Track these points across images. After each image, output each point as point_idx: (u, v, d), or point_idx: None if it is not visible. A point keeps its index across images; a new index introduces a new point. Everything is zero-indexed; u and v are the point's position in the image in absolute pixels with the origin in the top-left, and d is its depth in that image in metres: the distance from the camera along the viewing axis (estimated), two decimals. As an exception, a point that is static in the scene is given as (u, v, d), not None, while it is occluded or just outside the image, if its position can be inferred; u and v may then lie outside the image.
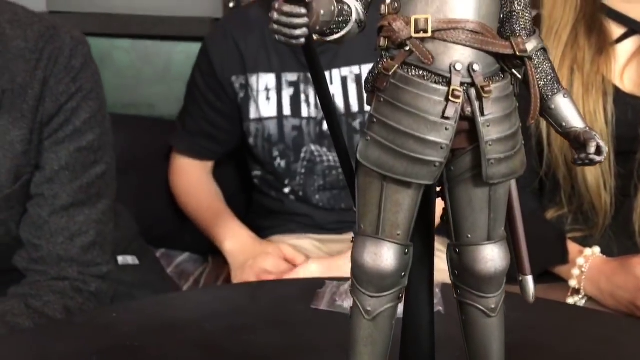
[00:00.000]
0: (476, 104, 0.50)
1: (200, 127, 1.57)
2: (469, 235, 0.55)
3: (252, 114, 1.51)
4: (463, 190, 0.54)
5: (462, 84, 0.50)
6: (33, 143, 1.10)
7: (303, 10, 0.42)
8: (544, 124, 1.29)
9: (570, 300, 1.29)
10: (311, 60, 0.48)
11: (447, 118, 0.50)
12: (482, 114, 0.50)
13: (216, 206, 1.60)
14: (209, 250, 1.94)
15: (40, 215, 1.11)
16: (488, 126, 0.51)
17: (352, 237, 0.56)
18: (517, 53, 0.52)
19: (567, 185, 1.32)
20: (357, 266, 0.54)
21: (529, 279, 0.58)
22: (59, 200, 1.11)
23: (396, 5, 0.52)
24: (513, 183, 0.56)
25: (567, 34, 1.27)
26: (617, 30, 1.32)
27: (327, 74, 1.45)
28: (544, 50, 0.57)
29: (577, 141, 0.55)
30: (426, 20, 0.50)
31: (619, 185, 1.29)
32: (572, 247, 1.31)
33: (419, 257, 0.57)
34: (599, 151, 0.54)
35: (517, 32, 0.56)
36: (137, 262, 1.67)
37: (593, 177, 1.28)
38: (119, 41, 2.06)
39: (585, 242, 1.33)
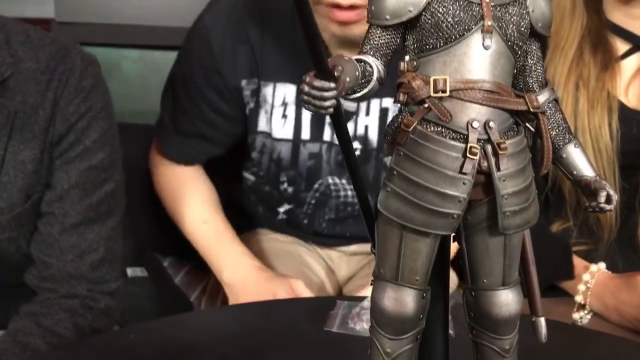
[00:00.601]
0: (492, 160, 0.53)
1: (196, 128, 1.32)
2: (485, 281, 0.58)
3: (262, 127, 1.29)
4: (479, 238, 0.57)
5: (478, 140, 0.53)
6: (44, 162, 1.12)
7: (333, 85, 0.45)
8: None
9: (576, 316, 1.32)
10: (338, 123, 0.51)
11: (465, 173, 0.53)
12: (498, 169, 0.53)
13: (213, 220, 1.35)
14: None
15: (51, 233, 1.14)
16: (504, 180, 0.53)
17: (371, 280, 0.59)
18: (531, 109, 0.55)
19: (572, 199, 1.34)
20: (377, 310, 0.57)
21: (542, 320, 0.61)
22: (69, 218, 1.14)
23: (415, 63, 0.55)
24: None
25: (573, 51, 1.30)
26: (622, 47, 1.34)
27: (358, 104, 1.27)
28: (556, 101, 0.60)
29: (588, 189, 0.58)
30: (444, 81, 0.53)
31: (623, 199, 1.32)
32: (578, 262, 1.34)
33: (435, 297, 0.60)
34: (608, 200, 0.57)
35: (530, 84, 0.59)
36: (145, 273, 1.68)
37: None
38: (127, 51, 2.09)
39: (590, 256, 1.35)
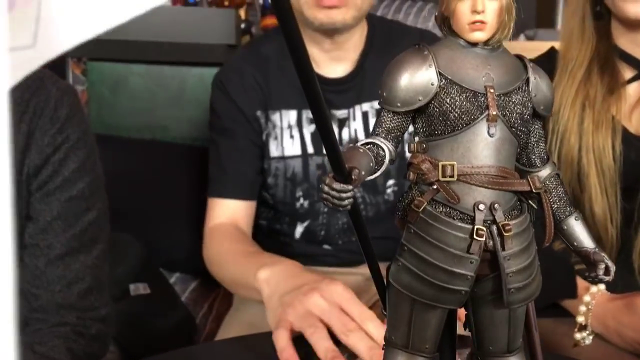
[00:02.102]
0: (498, 240, 0.58)
1: (242, 164, 1.47)
2: (491, 347, 0.63)
3: (273, 152, 1.49)
4: (485, 310, 0.62)
5: (484, 221, 0.58)
6: (21, 195, 1.13)
7: (350, 187, 0.50)
8: (554, 159, 1.34)
9: (578, 336, 1.35)
10: (354, 213, 0.55)
11: (472, 253, 0.57)
12: (503, 249, 0.58)
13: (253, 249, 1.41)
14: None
15: (37, 265, 1.15)
16: (508, 259, 0.58)
17: (383, 345, 0.63)
18: (534, 190, 0.59)
19: None
20: (388, 376, 0.62)
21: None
22: (54, 250, 1.15)
23: (424, 146, 0.60)
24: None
25: (582, 72, 1.34)
26: (628, 73, 1.37)
27: (350, 110, 1.48)
28: (557, 175, 0.64)
29: (587, 260, 0.63)
30: (452, 167, 0.58)
31: (623, 220, 1.35)
32: (579, 282, 1.37)
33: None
34: (607, 271, 0.61)
35: (533, 160, 0.64)
36: (148, 290, 1.70)
37: (601, 209, 1.34)
38: (134, 66, 2.14)
39: None
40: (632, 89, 1.38)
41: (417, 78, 0.59)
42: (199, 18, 2.12)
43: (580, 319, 1.32)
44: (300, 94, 1.47)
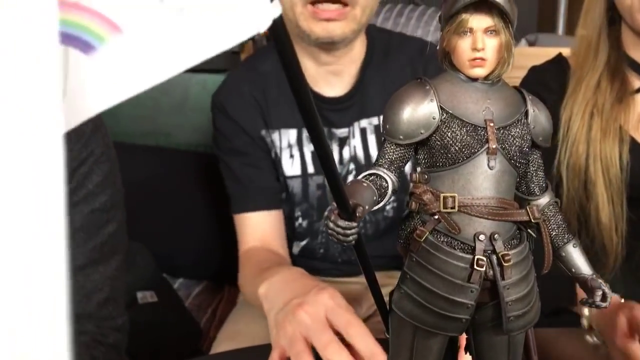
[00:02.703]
0: (497, 270, 0.59)
1: (259, 176, 1.45)
2: (491, 371, 0.64)
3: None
4: (485, 336, 0.64)
5: (484, 251, 0.59)
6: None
7: (355, 224, 0.52)
8: (563, 167, 1.35)
9: (588, 338, 1.32)
10: (359, 247, 0.57)
11: (472, 282, 0.59)
12: (503, 278, 0.60)
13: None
14: (226, 280, 2.02)
15: None
16: (508, 289, 0.60)
17: None
18: (532, 220, 0.61)
19: (574, 224, 1.38)
20: (391, 401, 0.64)
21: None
22: (75, 261, 1.17)
23: (426, 176, 0.62)
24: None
25: (594, 81, 1.34)
26: (637, 82, 1.38)
27: (350, 128, 1.44)
28: (556, 203, 0.66)
29: (585, 287, 0.65)
30: (454, 199, 0.60)
31: (630, 230, 1.36)
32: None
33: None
34: (604, 298, 0.63)
35: (532, 189, 0.66)
36: (155, 298, 1.72)
37: (607, 218, 1.35)
38: (137, 73, 2.15)
39: None
40: None
41: (419, 112, 0.61)
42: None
43: (585, 322, 1.31)
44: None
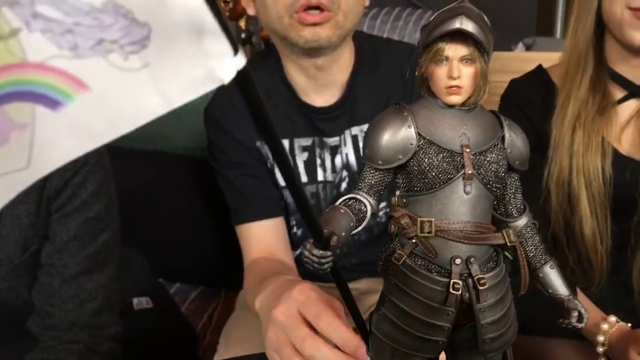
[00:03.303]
0: (473, 293, 0.61)
1: (258, 186, 1.45)
2: (468, 390, 0.66)
3: None
4: (463, 357, 0.66)
5: (461, 275, 0.61)
6: (40, 216, 1.17)
7: (329, 253, 0.53)
8: (551, 182, 1.35)
9: None
10: (336, 273, 0.59)
11: (449, 306, 0.60)
12: (479, 301, 0.61)
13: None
14: (222, 285, 2.03)
15: (52, 284, 1.20)
16: (484, 311, 0.62)
17: None
18: (508, 244, 0.63)
19: (564, 238, 1.39)
20: (372, 417, 0.65)
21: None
22: (69, 269, 1.19)
23: (404, 200, 0.63)
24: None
25: (579, 93, 1.34)
26: (619, 94, 1.38)
27: (341, 137, 1.45)
28: (534, 224, 0.68)
29: (562, 307, 0.66)
30: (430, 223, 0.61)
31: (615, 242, 1.37)
32: (595, 314, 1.33)
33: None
34: (580, 319, 0.65)
35: (510, 211, 0.68)
36: (151, 304, 1.73)
37: (590, 231, 1.34)
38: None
39: (585, 294, 1.40)
40: (622, 110, 1.38)
41: (397, 138, 0.63)
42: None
43: (600, 349, 1.28)
44: (291, 123, 1.44)
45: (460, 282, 0.62)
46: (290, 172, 0.46)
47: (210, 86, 0.35)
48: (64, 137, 0.33)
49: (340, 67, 1.43)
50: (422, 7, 2.61)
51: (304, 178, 1.46)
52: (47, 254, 1.18)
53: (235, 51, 0.35)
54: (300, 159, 1.45)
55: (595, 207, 1.32)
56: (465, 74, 0.61)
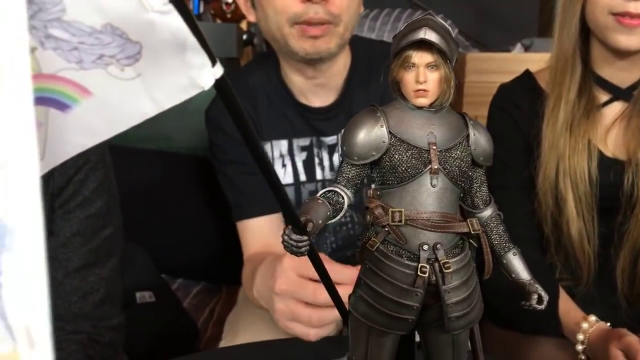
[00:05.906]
0: (439, 276, 0.69)
1: (258, 183, 1.48)
2: (438, 368, 0.73)
3: None
4: (432, 334, 0.73)
5: (428, 259, 0.69)
6: (45, 212, 1.24)
7: (305, 238, 0.61)
8: (541, 184, 1.41)
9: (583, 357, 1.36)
10: (314, 260, 0.67)
11: (417, 287, 0.68)
12: (444, 283, 0.69)
13: None
14: (224, 280, 2.11)
15: (55, 277, 1.26)
16: (449, 292, 0.69)
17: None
18: (472, 232, 0.70)
19: (553, 237, 1.45)
20: (349, 391, 0.73)
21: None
22: (72, 263, 1.26)
23: (379, 193, 0.71)
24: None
25: (567, 97, 1.39)
26: (603, 97, 1.43)
27: (338, 136, 1.51)
28: (499, 215, 0.75)
29: (523, 290, 0.74)
30: (400, 213, 0.69)
31: (601, 242, 1.42)
32: (577, 313, 1.39)
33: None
34: (539, 301, 0.73)
35: (476, 202, 0.76)
36: (154, 298, 1.80)
37: (577, 232, 1.40)
38: (138, 78, 2.22)
39: (572, 291, 1.46)
40: (607, 112, 1.43)
41: (371, 136, 0.70)
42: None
43: (580, 347, 1.35)
44: (290, 124, 1.55)
45: (428, 266, 0.69)
46: (264, 162, 0.53)
47: (193, 92, 0.43)
48: (71, 134, 0.40)
49: (337, 70, 1.51)
50: (423, 8, 2.67)
51: (303, 177, 1.54)
52: (51, 248, 1.24)
53: (214, 63, 0.43)
54: (299, 159, 1.53)
55: (582, 209, 1.38)
56: (431, 79, 0.69)
